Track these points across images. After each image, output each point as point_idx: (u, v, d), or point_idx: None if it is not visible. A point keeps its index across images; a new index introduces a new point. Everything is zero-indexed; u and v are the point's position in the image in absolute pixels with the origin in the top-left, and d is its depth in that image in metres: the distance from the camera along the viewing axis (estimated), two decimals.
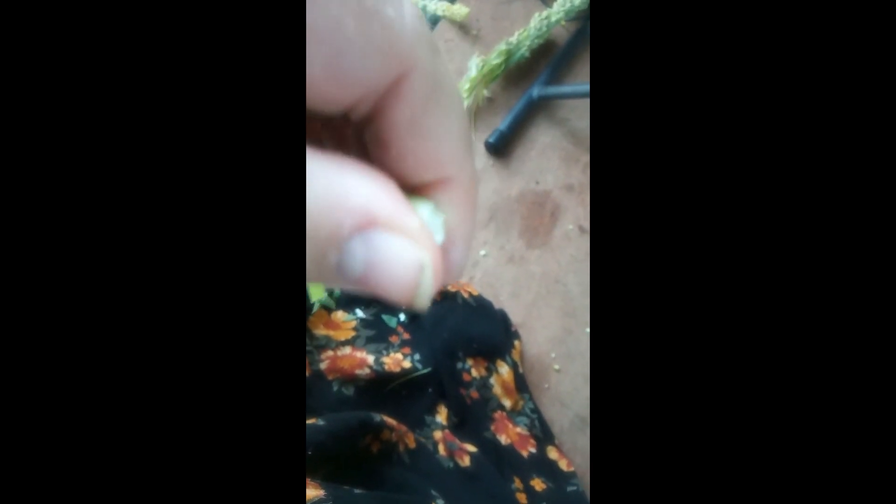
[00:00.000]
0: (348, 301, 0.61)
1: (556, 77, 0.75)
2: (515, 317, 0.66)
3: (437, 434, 0.56)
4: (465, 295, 0.64)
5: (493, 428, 0.59)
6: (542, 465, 0.59)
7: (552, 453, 0.61)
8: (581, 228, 0.70)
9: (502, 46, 0.73)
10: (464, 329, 0.61)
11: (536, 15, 0.74)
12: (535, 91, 0.73)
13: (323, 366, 0.56)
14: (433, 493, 0.48)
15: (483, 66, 0.72)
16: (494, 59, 0.72)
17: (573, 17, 0.76)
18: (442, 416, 0.58)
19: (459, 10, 0.77)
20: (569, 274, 0.68)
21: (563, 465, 0.60)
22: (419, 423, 0.56)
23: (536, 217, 0.70)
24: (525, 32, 0.73)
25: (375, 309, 0.61)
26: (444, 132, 0.14)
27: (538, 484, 0.57)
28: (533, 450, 0.60)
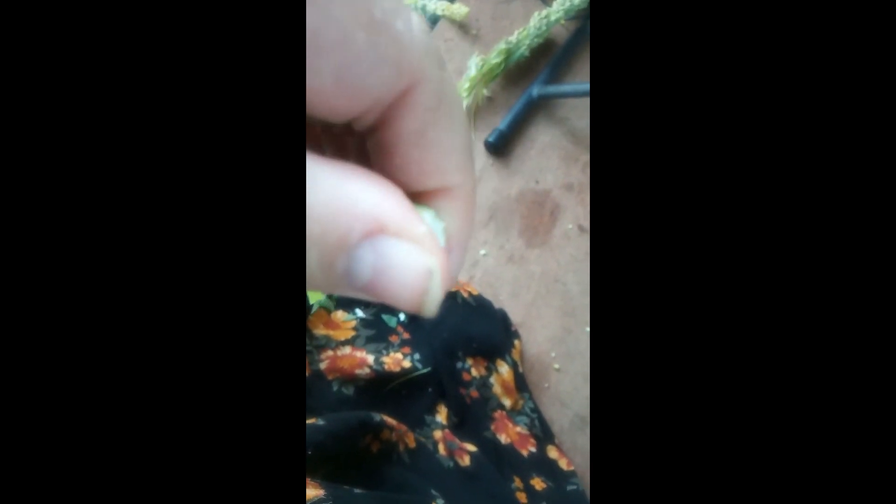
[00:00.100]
0: (348, 301, 0.61)
1: (555, 76, 0.75)
2: (515, 316, 0.66)
3: (437, 434, 0.56)
4: (465, 294, 0.64)
5: (492, 427, 0.59)
6: (542, 465, 0.59)
7: (552, 452, 0.61)
8: (581, 228, 0.70)
9: (502, 45, 0.73)
10: (464, 328, 0.61)
11: (536, 14, 0.74)
12: (535, 90, 0.73)
13: (323, 365, 0.56)
14: (433, 492, 0.48)
15: (483, 66, 0.72)
16: (494, 58, 0.72)
17: (573, 16, 0.76)
18: (442, 415, 0.58)
19: (459, 10, 0.77)
20: (568, 273, 0.68)
21: (563, 464, 0.60)
22: (419, 422, 0.56)
23: (536, 216, 0.70)
24: (525, 31, 0.73)
25: (375, 309, 0.61)
26: (448, 143, 0.14)
27: (538, 483, 0.57)
28: (533, 449, 0.60)
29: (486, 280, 0.67)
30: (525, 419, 0.62)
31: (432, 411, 0.58)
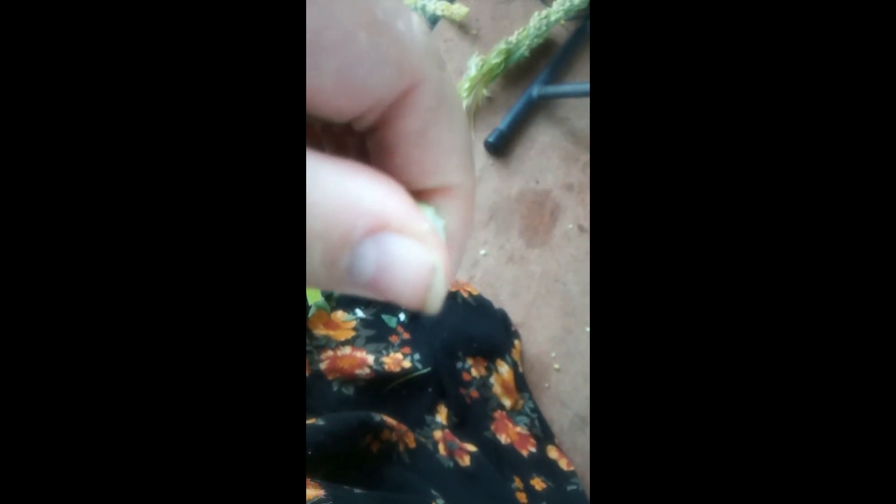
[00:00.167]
0: (348, 301, 0.61)
1: (555, 76, 0.75)
2: (515, 316, 0.66)
3: (437, 434, 0.56)
4: (465, 294, 0.64)
5: (493, 427, 0.59)
6: (542, 465, 0.59)
7: (552, 452, 0.61)
8: (581, 228, 0.70)
9: (502, 46, 0.73)
10: (464, 328, 0.61)
11: (536, 14, 0.74)
12: (535, 90, 0.73)
13: (323, 366, 0.56)
14: (433, 492, 0.48)
15: (482, 66, 0.72)
16: (494, 58, 0.72)
17: (573, 16, 0.76)
18: (442, 415, 0.58)
19: (459, 10, 0.77)
20: (568, 273, 0.68)
21: (563, 464, 0.60)
22: (419, 422, 0.56)
23: (536, 216, 0.70)
24: (524, 32, 0.73)
25: (375, 309, 0.61)
26: (448, 143, 0.14)
27: (538, 483, 0.57)
28: (533, 449, 0.60)
29: (487, 280, 0.67)
30: (525, 419, 0.62)
31: (432, 411, 0.58)
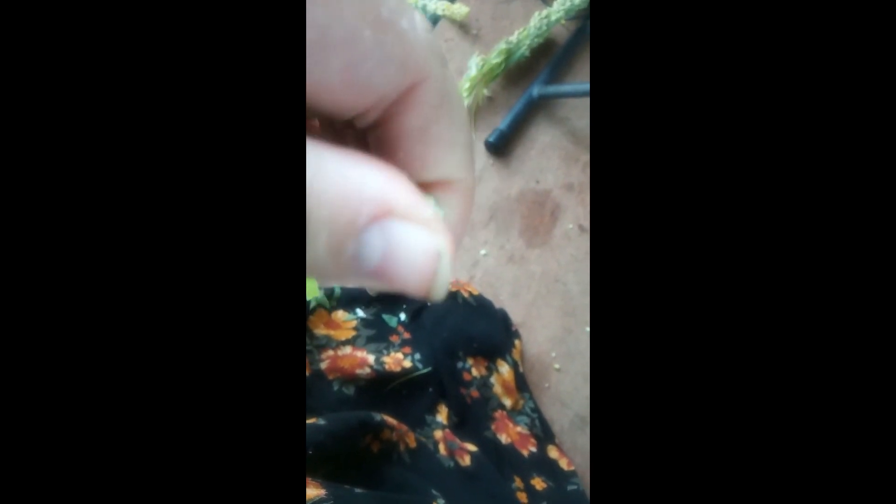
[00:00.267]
0: (349, 300, 0.61)
1: (556, 76, 0.75)
2: (515, 316, 0.66)
3: (438, 433, 0.56)
4: (466, 294, 0.64)
5: (493, 427, 0.59)
6: (543, 465, 0.59)
7: (552, 452, 0.61)
8: (581, 228, 0.70)
9: (502, 45, 0.73)
10: (464, 328, 0.61)
11: (536, 14, 0.74)
12: (535, 90, 0.73)
13: (323, 365, 0.56)
14: (434, 492, 0.48)
15: (483, 66, 0.72)
16: (494, 58, 0.72)
17: (573, 15, 0.76)
18: (442, 415, 0.58)
19: (459, 10, 0.77)
20: (569, 273, 0.68)
21: (564, 464, 0.60)
22: (419, 422, 0.56)
23: (536, 216, 0.70)
24: (525, 31, 0.73)
25: (376, 308, 0.61)
26: (449, 139, 0.14)
27: (538, 483, 0.57)
28: (533, 449, 0.60)
29: (487, 280, 0.67)
30: (525, 419, 0.62)
31: (433, 411, 0.58)
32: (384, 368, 0.56)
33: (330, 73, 0.12)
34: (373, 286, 0.13)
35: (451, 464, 0.54)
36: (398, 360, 0.58)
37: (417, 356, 0.59)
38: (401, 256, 0.12)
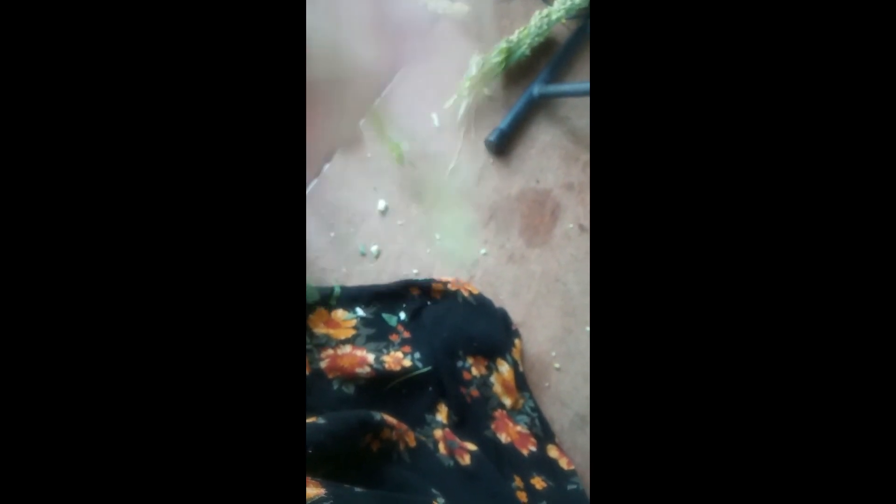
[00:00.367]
0: (349, 299, 0.61)
1: (556, 75, 0.75)
2: (516, 315, 0.66)
3: (438, 433, 0.56)
4: (466, 294, 0.64)
5: (493, 426, 0.59)
6: (543, 464, 0.59)
7: (552, 452, 0.61)
8: (581, 227, 0.70)
9: (503, 45, 0.72)
10: (464, 328, 0.61)
11: (537, 13, 0.74)
12: (536, 89, 0.73)
13: (323, 364, 0.56)
14: (433, 491, 0.48)
15: (483, 65, 0.72)
16: (495, 57, 0.72)
17: (573, 15, 0.76)
18: (442, 414, 0.58)
19: (460, 9, 0.77)
20: (569, 273, 0.68)
21: (564, 463, 0.60)
22: (419, 421, 0.56)
23: (537, 216, 0.70)
24: (525, 31, 0.73)
25: (376, 307, 0.61)
26: None
27: (538, 482, 0.57)
28: (533, 448, 0.60)
29: (487, 279, 0.67)
30: (525, 418, 0.62)
31: (433, 410, 0.58)
32: (384, 367, 0.56)
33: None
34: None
35: (451, 463, 0.54)
36: (398, 359, 0.58)
37: (417, 355, 0.59)
38: None
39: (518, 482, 0.56)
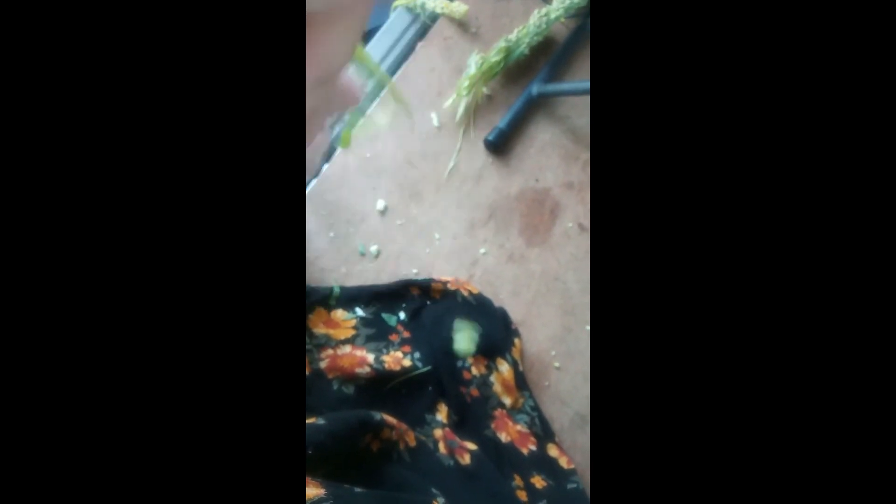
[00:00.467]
0: (348, 299, 0.61)
1: (555, 74, 0.75)
2: (515, 315, 0.66)
3: (438, 432, 0.56)
4: (465, 293, 0.64)
5: (493, 426, 0.59)
6: (543, 463, 0.59)
7: (552, 451, 0.61)
8: (581, 226, 0.70)
9: (501, 44, 0.72)
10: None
11: (536, 12, 0.74)
12: (535, 88, 0.73)
13: (323, 364, 0.56)
14: (434, 491, 0.48)
15: (482, 64, 0.72)
16: (494, 56, 0.72)
17: (572, 13, 0.76)
18: (442, 414, 0.58)
19: (458, 8, 0.77)
20: (569, 272, 0.68)
21: (564, 462, 0.60)
22: (419, 421, 0.56)
23: (536, 215, 0.70)
24: (524, 29, 0.73)
25: (375, 307, 0.61)
26: None
27: (538, 482, 0.57)
28: (533, 447, 0.60)
29: (487, 279, 0.67)
30: (525, 417, 0.62)
31: (432, 410, 0.58)
32: (384, 367, 0.56)
33: None
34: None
35: (451, 462, 0.54)
36: (398, 358, 0.58)
37: (417, 355, 0.59)
38: None
39: (518, 481, 0.56)
